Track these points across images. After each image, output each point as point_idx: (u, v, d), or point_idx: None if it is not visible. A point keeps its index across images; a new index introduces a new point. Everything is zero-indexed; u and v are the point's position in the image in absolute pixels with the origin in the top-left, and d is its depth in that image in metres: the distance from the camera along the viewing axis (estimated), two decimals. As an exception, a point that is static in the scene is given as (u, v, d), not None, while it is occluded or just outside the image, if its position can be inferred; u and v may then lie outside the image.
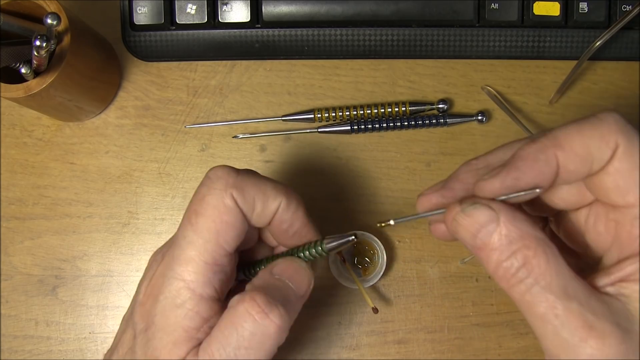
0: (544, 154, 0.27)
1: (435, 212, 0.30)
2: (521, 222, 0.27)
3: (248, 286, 0.32)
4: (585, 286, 0.26)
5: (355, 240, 0.32)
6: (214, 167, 0.33)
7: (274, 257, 0.35)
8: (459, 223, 0.28)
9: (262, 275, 0.32)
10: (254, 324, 0.29)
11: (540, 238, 0.26)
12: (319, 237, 0.34)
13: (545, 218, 0.34)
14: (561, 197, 0.30)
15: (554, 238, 0.32)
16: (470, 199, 0.28)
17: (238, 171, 0.32)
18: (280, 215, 0.33)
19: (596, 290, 0.26)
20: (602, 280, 0.27)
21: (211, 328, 0.30)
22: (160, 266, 0.32)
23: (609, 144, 0.26)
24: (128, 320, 0.33)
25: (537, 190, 0.27)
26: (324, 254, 0.33)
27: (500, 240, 0.26)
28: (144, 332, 0.31)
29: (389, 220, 0.32)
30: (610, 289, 0.26)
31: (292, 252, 0.34)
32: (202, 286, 0.30)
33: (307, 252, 0.33)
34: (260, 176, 0.33)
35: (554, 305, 0.25)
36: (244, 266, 0.36)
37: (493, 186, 0.27)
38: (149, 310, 0.31)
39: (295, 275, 0.32)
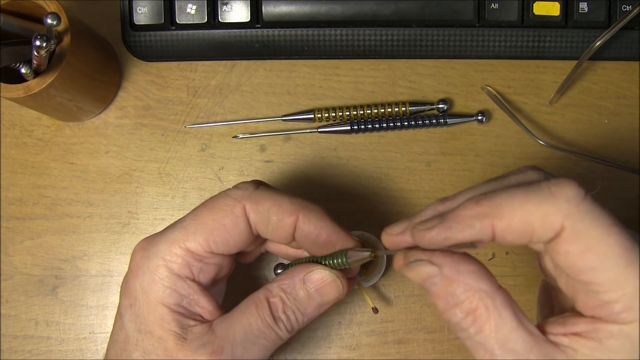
0: (480, 222, 0.26)
1: (385, 252, 0.31)
2: (465, 275, 0.27)
3: (275, 283, 0.33)
4: (528, 338, 0.27)
5: (376, 256, 0.33)
6: (242, 182, 0.35)
7: (314, 259, 0.35)
8: (404, 274, 0.29)
9: (292, 279, 0.33)
10: (261, 325, 0.32)
11: (484, 290, 0.27)
12: (352, 242, 0.34)
13: None
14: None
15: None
16: (414, 253, 0.29)
17: (258, 186, 0.34)
18: (301, 229, 0.33)
19: (544, 338, 0.27)
20: (556, 329, 0.28)
21: (191, 304, 0.32)
22: (141, 242, 0.33)
23: (552, 225, 0.26)
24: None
25: (476, 246, 0.27)
26: (347, 265, 0.33)
27: (444, 291, 0.27)
28: (130, 308, 0.32)
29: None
30: (560, 339, 0.27)
31: (321, 258, 0.34)
32: (180, 267, 0.32)
33: (333, 261, 0.33)
34: (279, 191, 0.34)
35: (492, 357, 0.27)
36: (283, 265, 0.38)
37: (422, 239, 0.28)
38: (130, 286, 0.32)
39: (324, 288, 0.33)
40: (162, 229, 0.34)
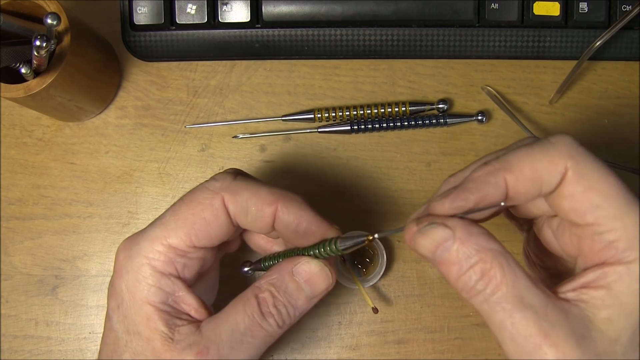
0: (493, 177, 0.28)
1: (392, 230, 0.31)
2: (477, 237, 0.28)
3: (263, 280, 0.33)
4: (542, 295, 0.27)
5: (370, 240, 0.32)
6: (219, 172, 0.34)
7: (288, 252, 0.35)
8: (417, 242, 0.29)
9: (280, 273, 0.33)
10: (248, 323, 0.32)
11: (496, 250, 0.28)
12: (334, 231, 0.34)
13: (531, 220, 0.34)
14: (534, 204, 0.31)
15: (537, 240, 0.34)
16: (427, 218, 0.29)
17: (236, 176, 0.34)
18: (281, 219, 0.33)
19: (556, 297, 0.28)
20: (565, 287, 0.28)
21: (177, 301, 0.32)
22: (124, 242, 0.33)
23: (557, 167, 0.28)
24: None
25: (502, 204, 0.28)
26: (337, 253, 0.33)
27: (457, 256, 0.28)
28: (117, 309, 0.32)
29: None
30: (571, 295, 0.28)
31: (306, 249, 0.34)
32: (163, 264, 0.32)
33: (322, 250, 0.33)
34: (257, 181, 0.34)
35: (510, 315, 0.27)
36: (255, 262, 0.37)
37: (443, 207, 0.28)
38: (116, 287, 0.32)
39: (313, 278, 0.33)
40: (142, 228, 0.34)
